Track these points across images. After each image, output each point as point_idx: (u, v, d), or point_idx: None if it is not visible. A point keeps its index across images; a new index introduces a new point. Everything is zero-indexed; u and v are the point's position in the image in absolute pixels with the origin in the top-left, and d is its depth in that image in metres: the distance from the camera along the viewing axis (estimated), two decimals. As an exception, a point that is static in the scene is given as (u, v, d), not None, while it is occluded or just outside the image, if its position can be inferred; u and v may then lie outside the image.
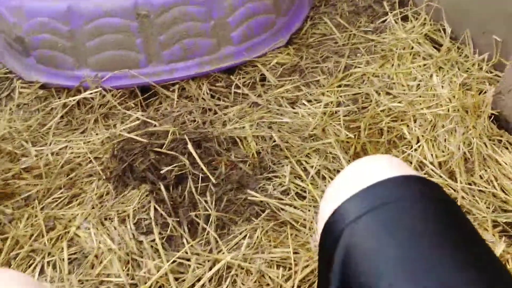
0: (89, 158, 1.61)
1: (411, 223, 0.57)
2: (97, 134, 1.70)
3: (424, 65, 1.79)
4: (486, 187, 1.44)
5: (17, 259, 1.39)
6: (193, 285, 1.29)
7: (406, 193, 0.60)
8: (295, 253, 1.34)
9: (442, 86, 1.68)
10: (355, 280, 0.54)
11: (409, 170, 0.66)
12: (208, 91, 1.79)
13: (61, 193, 1.54)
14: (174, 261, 1.32)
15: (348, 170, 0.69)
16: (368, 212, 0.58)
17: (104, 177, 1.55)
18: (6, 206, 1.51)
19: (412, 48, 1.86)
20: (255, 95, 1.78)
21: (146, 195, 1.47)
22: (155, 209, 1.43)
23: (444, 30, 1.89)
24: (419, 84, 1.73)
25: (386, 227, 0.57)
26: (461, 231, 0.58)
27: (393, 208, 0.58)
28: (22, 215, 1.50)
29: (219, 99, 1.78)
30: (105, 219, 1.44)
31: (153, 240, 1.37)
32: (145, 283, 1.28)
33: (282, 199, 1.45)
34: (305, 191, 1.48)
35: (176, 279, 1.30)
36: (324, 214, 0.65)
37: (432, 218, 0.58)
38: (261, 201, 1.45)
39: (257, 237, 1.38)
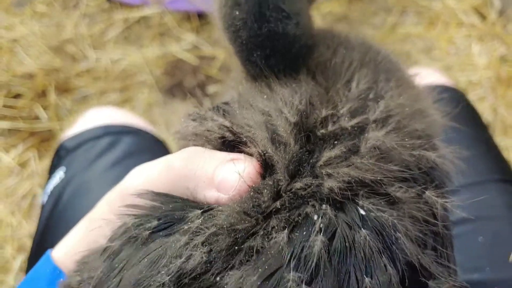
0: (144, 69, 1.76)
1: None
2: (152, 50, 1.85)
3: (467, 34, 1.87)
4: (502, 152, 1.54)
5: (72, 145, 1.57)
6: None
7: (444, 96, 0.75)
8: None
9: (480, 56, 1.77)
10: None
11: (448, 81, 0.81)
12: (259, 27, 1.91)
13: (115, 95, 1.70)
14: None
15: None
16: None
17: (155, 88, 1.70)
18: (66, 98, 1.68)
19: (458, 17, 1.94)
20: (302, 38, 1.89)
21: (192, 108, 1.62)
22: (198, 121, 1.58)
23: (493, 4, 1.96)
24: (458, 51, 1.82)
25: None
26: (483, 131, 0.73)
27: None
28: (79, 109, 1.67)
29: (268, 36, 1.90)
30: (153, 122, 1.60)
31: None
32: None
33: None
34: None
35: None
36: None
37: (460, 115, 0.73)
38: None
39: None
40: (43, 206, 0.79)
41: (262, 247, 0.30)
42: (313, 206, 0.31)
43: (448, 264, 0.34)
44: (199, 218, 0.32)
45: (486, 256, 0.59)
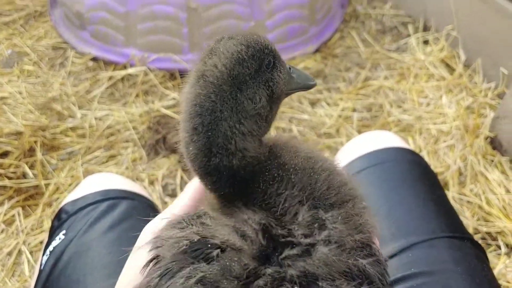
0: (128, 126, 1.82)
1: (399, 177, 0.78)
2: (136, 107, 1.91)
3: (436, 86, 1.98)
4: (473, 199, 1.61)
5: (57, 201, 1.61)
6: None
7: (398, 157, 0.81)
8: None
9: (449, 106, 1.86)
10: None
11: (402, 143, 0.87)
12: (239, 83, 1.99)
13: (100, 152, 1.75)
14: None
15: (357, 139, 0.91)
16: (368, 168, 0.80)
17: (139, 144, 1.76)
18: (52, 157, 1.73)
19: (428, 69, 2.05)
20: (280, 92, 1.97)
21: (175, 164, 1.67)
22: (181, 176, 1.63)
23: (459, 57, 2.08)
24: (429, 102, 1.92)
25: (379, 177, 0.78)
26: (434, 189, 0.79)
27: (386, 166, 0.79)
28: (65, 166, 1.71)
29: (248, 91, 1.99)
30: (137, 179, 1.65)
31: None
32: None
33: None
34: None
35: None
36: None
37: (413, 175, 0.79)
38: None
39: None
40: (42, 265, 0.84)
41: None
42: (288, 287, 0.41)
43: None
44: (189, 266, 0.42)
45: None
